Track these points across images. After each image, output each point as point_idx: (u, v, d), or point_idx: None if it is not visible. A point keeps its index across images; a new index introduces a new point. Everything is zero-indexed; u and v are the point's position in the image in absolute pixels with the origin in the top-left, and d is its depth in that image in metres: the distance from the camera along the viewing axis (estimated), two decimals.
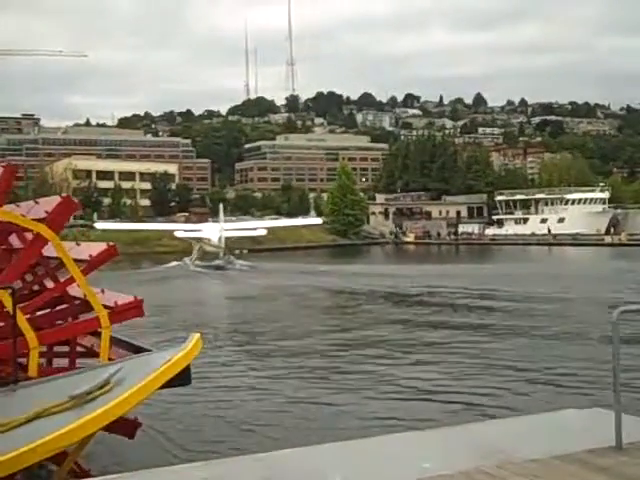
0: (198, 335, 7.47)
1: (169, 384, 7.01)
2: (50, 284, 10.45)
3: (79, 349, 10.53)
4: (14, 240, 10.82)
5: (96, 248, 10.49)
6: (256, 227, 73.80)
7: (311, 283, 43.39)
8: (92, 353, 10.10)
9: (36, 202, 11.10)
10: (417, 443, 5.76)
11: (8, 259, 10.64)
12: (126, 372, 6.98)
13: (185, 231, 71.58)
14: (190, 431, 12.98)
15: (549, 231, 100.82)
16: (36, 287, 10.74)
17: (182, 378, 7.64)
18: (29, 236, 10.08)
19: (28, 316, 9.27)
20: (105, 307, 9.91)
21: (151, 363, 7.01)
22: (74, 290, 10.27)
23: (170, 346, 8.26)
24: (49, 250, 9.78)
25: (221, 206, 74.78)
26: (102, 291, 10.40)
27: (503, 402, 14.29)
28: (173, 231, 74.30)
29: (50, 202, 10.55)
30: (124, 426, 9.16)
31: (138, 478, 5.84)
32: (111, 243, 10.53)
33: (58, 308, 10.64)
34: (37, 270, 10.68)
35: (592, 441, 5.80)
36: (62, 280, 10.13)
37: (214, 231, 63.89)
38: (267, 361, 19.68)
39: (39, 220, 9.71)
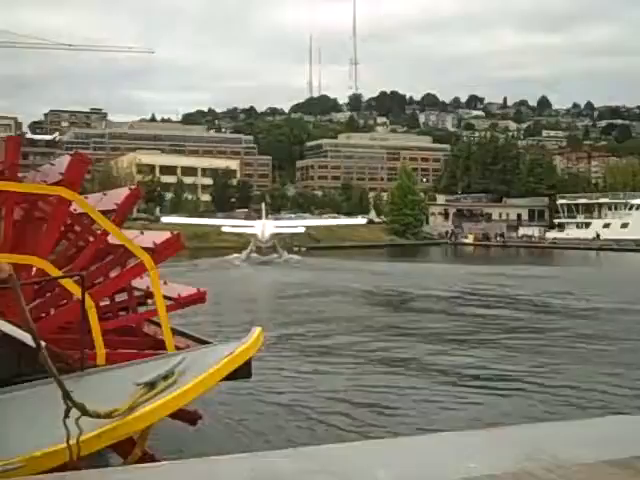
0: (260, 329, 7.49)
1: (231, 377, 7.07)
2: (116, 272, 10.53)
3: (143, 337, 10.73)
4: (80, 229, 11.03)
5: (160, 236, 10.43)
6: (297, 225, 76.68)
7: (336, 278, 44.75)
8: (156, 342, 10.19)
9: (104, 194, 11.38)
10: (462, 443, 5.79)
11: (77, 246, 10.99)
12: (189, 363, 7.08)
13: (232, 227, 75.16)
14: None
15: (598, 236, 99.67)
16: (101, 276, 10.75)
17: (243, 371, 7.65)
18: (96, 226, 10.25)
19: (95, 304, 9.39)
20: (167, 298, 10.07)
21: (214, 355, 7.10)
22: (137, 280, 10.45)
23: (232, 339, 8.26)
24: (113, 239, 9.88)
25: (263, 205, 79.22)
26: (165, 282, 10.53)
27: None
28: (232, 226, 76.01)
29: (119, 194, 10.81)
30: (185, 418, 9.39)
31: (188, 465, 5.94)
32: (175, 232, 10.55)
33: (122, 298, 10.92)
34: (105, 259, 10.71)
35: (637, 447, 5.59)
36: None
37: (258, 228, 67.41)
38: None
39: (107, 212, 9.92)
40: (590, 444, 6.02)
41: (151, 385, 6.54)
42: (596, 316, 27.53)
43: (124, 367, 7.89)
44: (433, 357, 19.30)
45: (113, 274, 10.38)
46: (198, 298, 10.85)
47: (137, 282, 10.49)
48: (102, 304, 10.23)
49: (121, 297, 11.25)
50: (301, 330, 24.18)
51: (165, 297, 9.96)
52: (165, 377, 6.67)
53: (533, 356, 19.21)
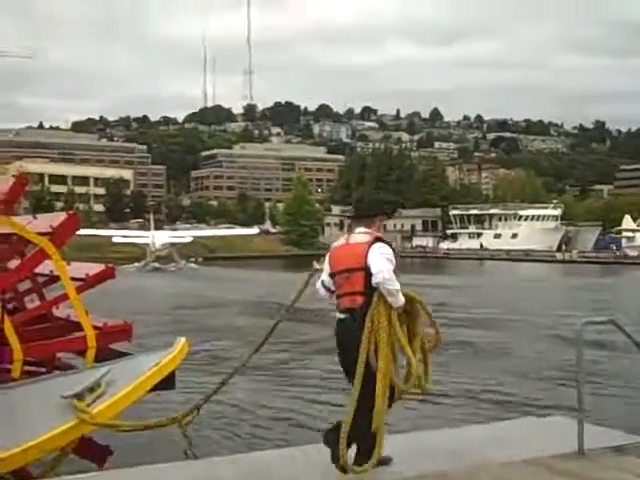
0: (184, 339, 7.50)
1: (156, 388, 7.04)
2: (37, 301, 10.30)
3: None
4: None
5: (93, 268, 10.36)
6: (185, 235, 78.07)
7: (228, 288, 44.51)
8: (71, 324, 9.93)
9: (35, 217, 10.85)
10: (387, 446, 5.73)
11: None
12: (115, 375, 6.99)
13: (123, 237, 76.09)
14: None
15: (481, 246, 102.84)
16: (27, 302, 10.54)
17: (168, 382, 7.63)
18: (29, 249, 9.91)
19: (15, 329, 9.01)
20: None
21: (139, 366, 7.08)
22: (61, 309, 10.20)
23: (156, 350, 8.25)
24: (45, 266, 9.67)
25: (152, 215, 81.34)
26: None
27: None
28: (126, 237, 76.14)
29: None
30: (93, 450, 8.52)
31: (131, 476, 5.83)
32: (110, 265, 10.50)
33: (46, 325, 10.38)
34: (29, 284, 10.50)
35: (556, 447, 6.01)
36: (53, 297, 9.98)
37: (149, 239, 69.50)
38: None
39: (43, 234, 9.50)
40: (507, 445, 6.28)
41: (78, 397, 6.40)
42: (484, 323, 27.87)
43: (48, 379, 7.78)
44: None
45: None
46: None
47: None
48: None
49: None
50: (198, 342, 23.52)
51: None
52: (91, 389, 6.57)
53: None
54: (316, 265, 6.18)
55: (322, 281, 5.97)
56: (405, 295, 5.65)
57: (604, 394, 14.91)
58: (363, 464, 5.37)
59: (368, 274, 5.55)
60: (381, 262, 5.54)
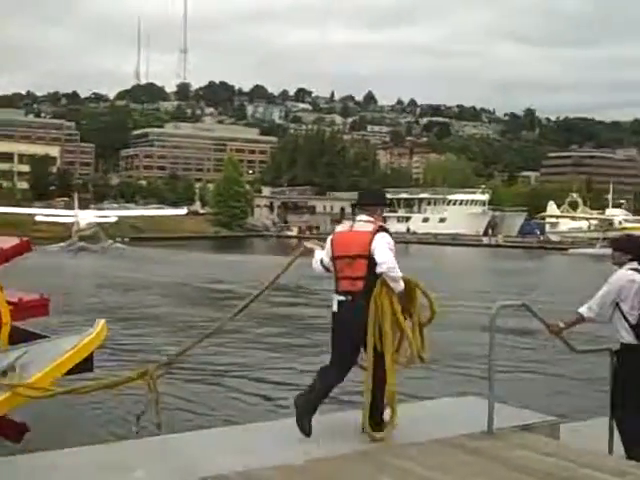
0: (103, 321, 7.36)
1: (73, 371, 6.94)
2: None
3: None
4: None
5: (7, 241, 9.65)
6: (109, 215, 77.17)
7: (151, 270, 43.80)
8: None
9: None
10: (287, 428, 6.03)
11: None
12: (32, 356, 6.84)
13: (46, 216, 74.44)
14: None
15: (408, 230, 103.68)
16: None
17: (86, 365, 7.55)
18: None
19: None
20: (8, 303, 9.12)
21: (56, 348, 6.94)
22: None
23: (75, 332, 8.03)
24: None
25: (76, 194, 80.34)
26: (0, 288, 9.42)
27: None
28: (49, 216, 74.61)
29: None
30: (9, 428, 8.15)
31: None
32: (25, 238, 9.80)
33: None
34: None
35: (466, 426, 6.19)
36: None
37: (73, 217, 68.51)
38: None
39: None
40: (419, 425, 6.32)
41: None
42: None
43: None
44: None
45: None
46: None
47: None
48: None
49: None
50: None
51: None
52: (4, 372, 6.41)
53: None
54: (307, 245, 6.67)
55: (321, 260, 6.37)
56: (403, 279, 6.08)
57: (518, 377, 15.11)
58: (383, 429, 6.00)
59: (370, 261, 5.94)
60: (385, 252, 5.94)
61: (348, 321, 6.00)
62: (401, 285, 6.00)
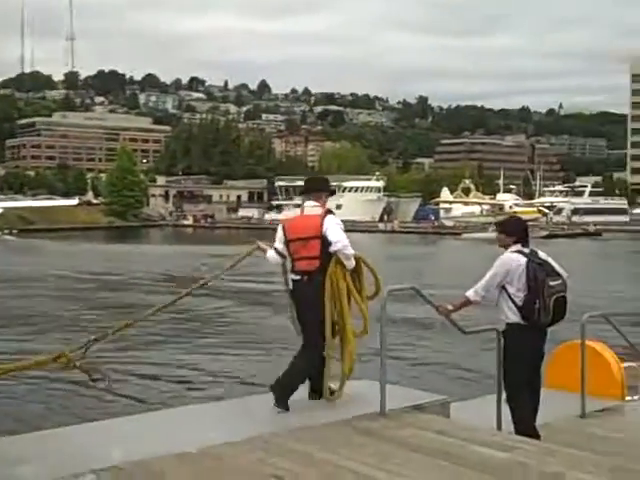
0: None
1: None
2: None
3: None
4: None
5: None
6: None
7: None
8: None
9: None
10: (197, 415, 6.15)
11: None
12: None
13: None
14: None
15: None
16: None
17: None
18: None
19: None
20: None
21: None
22: None
23: None
24: None
25: None
26: None
27: None
28: None
29: None
30: None
31: None
32: None
33: None
34: None
35: (360, 409, 6.31)
36: None
37: None
38: None
39: None
40: (315, 407, 6.40)
41: None
42: None
43: None
44: None
45: None
46: None
47: None
48: None
49: None
50: None
51: None
52: None
53: None
54: (260, 244, 6.95)
55: (275, 249, 6.73)
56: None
57: (410, 359, 15.48)
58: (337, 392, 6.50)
59: (324, 241, 6.35)
60: (337, 232, 6.38)
61: (310, 296, 6.37)
62: (353, 262, 6.42)
